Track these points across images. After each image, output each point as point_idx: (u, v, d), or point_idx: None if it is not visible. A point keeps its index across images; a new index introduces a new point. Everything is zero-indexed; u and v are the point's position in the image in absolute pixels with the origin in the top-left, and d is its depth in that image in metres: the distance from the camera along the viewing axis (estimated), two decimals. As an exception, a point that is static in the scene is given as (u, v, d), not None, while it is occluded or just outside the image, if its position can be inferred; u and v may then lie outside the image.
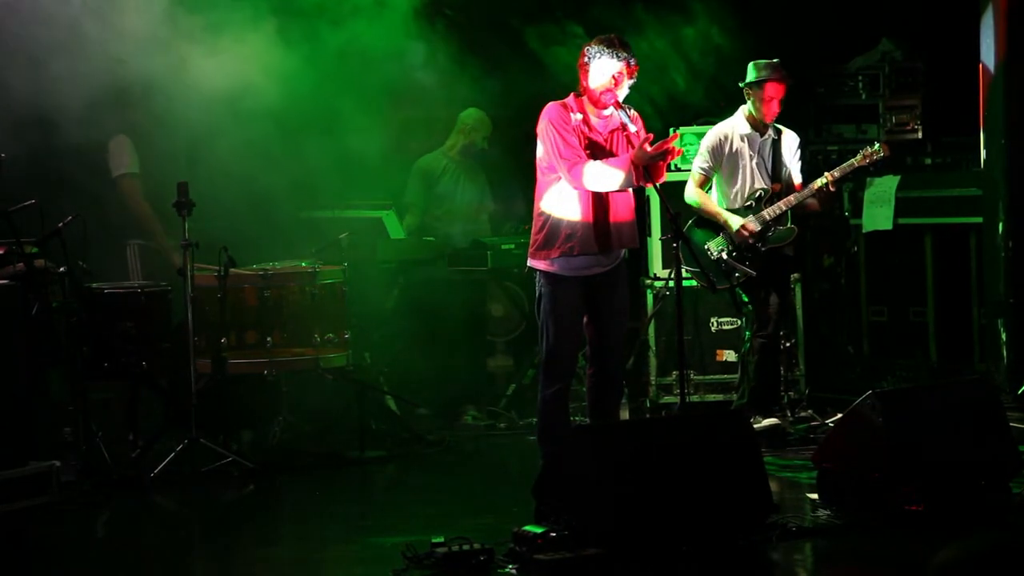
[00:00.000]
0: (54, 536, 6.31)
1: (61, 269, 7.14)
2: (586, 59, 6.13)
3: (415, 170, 9.43)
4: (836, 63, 10.13)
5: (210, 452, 7.25)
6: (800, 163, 8.00)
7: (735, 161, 7.85)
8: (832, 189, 7.75)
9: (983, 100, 9.01)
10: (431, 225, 9.38)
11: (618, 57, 6.09)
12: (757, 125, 7.86)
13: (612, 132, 6.21)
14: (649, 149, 5.94)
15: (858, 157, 7.80)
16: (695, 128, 8.60)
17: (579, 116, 6.15)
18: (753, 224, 7.74)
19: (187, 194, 7.35)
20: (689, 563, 5.40)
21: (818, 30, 9.89)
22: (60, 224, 7.13)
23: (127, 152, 8.25)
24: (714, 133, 7.89)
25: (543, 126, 6.17)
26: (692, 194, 7.85)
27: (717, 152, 7.84)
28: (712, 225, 7.86)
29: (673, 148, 6.01)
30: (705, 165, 7.86)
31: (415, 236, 9.25)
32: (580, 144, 6.10)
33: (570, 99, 6.21)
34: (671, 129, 6.18)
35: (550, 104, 6.21)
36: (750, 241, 7.75)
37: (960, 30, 9.32)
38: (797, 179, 7.90)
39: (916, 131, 9.93)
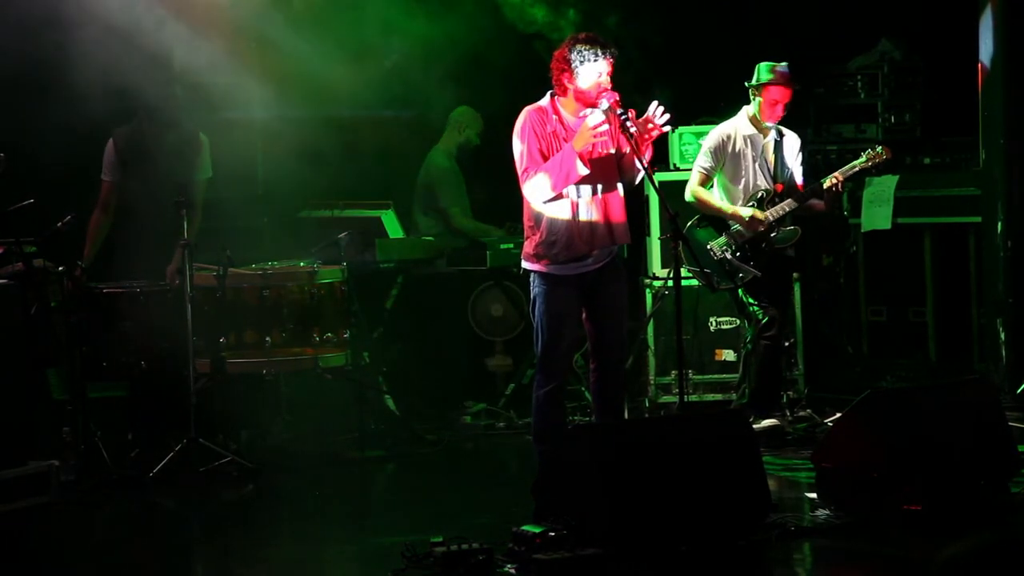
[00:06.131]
0: (54, 536, 6.32)
1: (60, 269, 7.15)
2: (574, 64, 5.97)
3: (448, 171, 9.19)
4: (836, 63, 10.13)
5: (210, 452, 7.24)
6: (801, 165, 7.99)
7: (738, 161, 7.82)
8: (840, 189, 7.72)
9: (982, 100, 9.01)
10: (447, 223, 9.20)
11: (604, 55, 5.97)
12: (759, 126, 7.84)
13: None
14: (590, 128, 5.84)
15: (862, 160, 7.76)
16: (694, 127, 8.60)
17: (555, 118, 6.05)
18: (762, 214, 7.71)
19: (187, 194, 7.34)
20: (688, 563, 5.40)
21: (818, 30, 9.89)
22: (60, 224, 7.13)
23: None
24: (717, 133, 7.86)
25: (517, 131, 6.07)
26: (693, 192, 7.82)
27: (719, 152, 7.81)
28: (715, 225, 7.83)
29: (649, 125, 5.90)
30: (707, 164, 7.82)
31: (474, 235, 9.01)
32: (556, 149, 5.98)
33: (546, 101, 6.11)
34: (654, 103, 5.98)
35: (527, 108, 6.10)
36: (761, 230, 7.68)
37: (960, 30, 9.31)
38: (799, 180, 7.89)
39: (915, 131, 9.94)
